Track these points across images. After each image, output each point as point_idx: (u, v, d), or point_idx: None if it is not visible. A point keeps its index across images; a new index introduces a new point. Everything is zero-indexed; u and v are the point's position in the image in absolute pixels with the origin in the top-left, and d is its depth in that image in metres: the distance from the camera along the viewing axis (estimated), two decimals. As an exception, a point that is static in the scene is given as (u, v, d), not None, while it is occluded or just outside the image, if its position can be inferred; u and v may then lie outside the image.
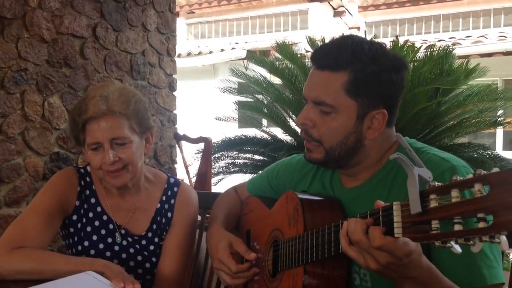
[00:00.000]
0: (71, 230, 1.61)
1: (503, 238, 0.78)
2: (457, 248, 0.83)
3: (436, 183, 0.86)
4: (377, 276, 1.21)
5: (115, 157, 1.48)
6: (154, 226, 1.64)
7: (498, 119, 3.27)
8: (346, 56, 1.21)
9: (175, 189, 1.68)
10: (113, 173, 1.51)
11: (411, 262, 0.95)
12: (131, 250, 1.60)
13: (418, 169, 0.89)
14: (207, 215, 2.00)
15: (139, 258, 1.60)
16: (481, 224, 0.77)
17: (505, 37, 7.75)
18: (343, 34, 4.29)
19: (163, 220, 1.65)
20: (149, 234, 1.63)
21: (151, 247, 1.62)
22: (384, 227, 0.93)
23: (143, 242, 1.62)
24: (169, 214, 1.65)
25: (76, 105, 1.57)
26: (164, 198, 1.67)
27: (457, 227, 0.80)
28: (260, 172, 1.74)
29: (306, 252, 1.19)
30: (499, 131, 7.95)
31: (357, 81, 1.21)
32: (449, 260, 1.06)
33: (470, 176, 0.80)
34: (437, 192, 0.85)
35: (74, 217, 1.60)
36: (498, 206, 0.74)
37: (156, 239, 1.63)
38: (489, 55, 7.56)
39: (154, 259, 1.61)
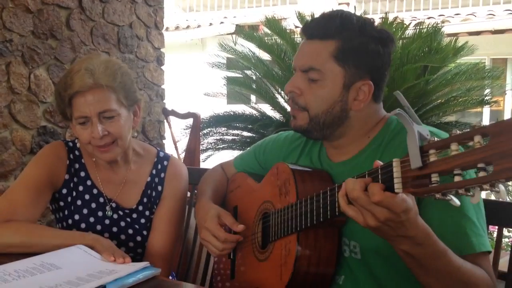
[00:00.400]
0: (61, 204, 1.61)
1: (502, 187, 0.80)
2: (456, 201, 0.86)
3: (436, 138, 0.88)
4: (366, 248, 1.24)
5: (104, 131, 1.48)
6: (145, 200, 1.64)
7: (485, 98, 3.29)
8: (335, 25, 1.26)
9: (165, 163, 1.69)
10: (103, 148, 1.51)
11: (409, 220, 0.97)
12: (122, 224, 1.61)
13: (417, 126, 0.91)
14: (195, 191, 2.01)
15: (130, 231, 1.61)
16: (481, 174, 0.79)
17: (494, 15, 7.76)
18: (332, 9, 4.26)
19: (154, 194, 1.65)
20: (140, 208, 1.63)
21: (142, 220, 1.63)
22: (383, 184, 0.96)
23: (134, 215, 1.62)
24: (159, 188, 1.65)
25: (61, 79, 1.54)
26: (154, 171, 1.67)
27: (457, 179, 0.83)
28: (248, 148, 1.74)
29: (300, 218, 1.20)
30: (486, 110, 8.01)
31: (345, 49, 1.25)
32: (439, 228, 1.08)
33: (469, 130, 0.82)
34: (436, 147, 0.87)
35: (64, 191, 1.60)
36: (497, 155, 0.77)
37: (147, 212, 1.64)
38: (478, 33, 7.58)
39: (145, 232, 1.62)
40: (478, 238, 1.13)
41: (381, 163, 0.99)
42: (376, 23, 1.33)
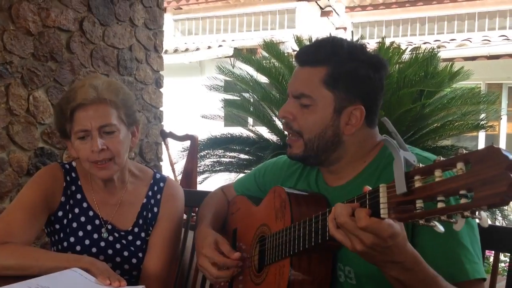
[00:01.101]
0: (57, 226, 1.60)
1: (483, 214, 0.81)
2: (440, 227, 0.86)
3: (421, 164, 0.89)
4: (361, 273, 1.23)
5: (103, 145, 1.49)
6: (141, 221, 1.64)
7: (481, 123, 3.31)
8: (325, 52, 1.29)
9: (161, 184, 1.69)
10: (100, 164, 1.51)
11: (396, 245, 0.97)
12: (118, 246, 1.60)
13: (404, 152, 0.92)
14: (192, 214, 2.01)
15: (126, 253, 1.60)
16: (463, 201, 0.80)
17: (489, 41, 7.86)
18: (330, 34, 4.32)
19: (149, 215, 1.65)
20: (136, 229, 1.63)
21: (138, 242, 1.62)
22: (370, 209, 0.96)
23: (130, 237, 1.62)
24: (155, 209, 1.65)
25: (63, 95, 1.58)
26: (150, 193, 1.67)
27: (440, 205, 0.83)
28: (248, 171, 1.75)
29: (293, 242, 1.21)
30: (482, 135, 8.05)
31: (334, 75, 1.27)
32: (432, 254, 1.08)
33: (453, 156, 0.83)
34: (421, 173, 0.88)
35: (60, 213, 1.60)
36: (478, 182, 0.77)
37: (142, 234, 1.63)
38: (473, 58, 7.66)
39: (140, 255, 1.61)
40: (472, 265, 1.12)
41: (370, 188, 1.00)
42: (368, 48, 1.36)
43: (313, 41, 1.45)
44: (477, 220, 0.81)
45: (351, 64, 1.27)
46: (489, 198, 0.76)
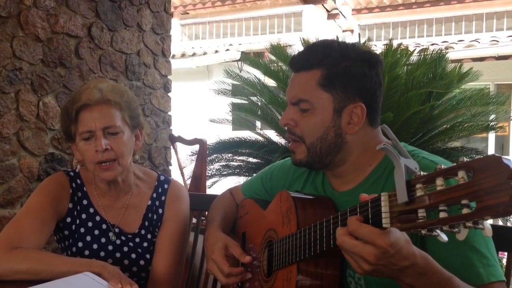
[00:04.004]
0: (66, 232, 1.62)
1: (487, 224, 0.79)
2: (443, 237, 0.85)
3: (422, 172, 0.88)
4: (371, 281, 1.22)
5: (107, 145, 1.51)
6: (146, 223, 1.65)
7: (491, 124, 3.29)
8: (317, 54, 1.29)
9: (166, 186, 1.70)
10: (104, 166, 1.53)
11: (400, 252, 0.95)
12: (125, 249, 1.61)
13: (404, 159, 0.91)
14: (202, 218, 2.01)
15: (133, 256, 1.61)
16: (465, 211, 0.78)
17: (497, 41, 7.82)
18: (336, 36, 4.32)
19: (155, 217, 1.66)
20: (142, 232, 1.64)
21: (145, 244, 1.63)
22: (362, 216, 0.96)
23: (137, 239, 1.63)
24: (160, 211, 1.67)
25: (69, 99, 1.60)
26: (154, 195, 1.68)
27: (442, 215, 0.82)
28: (255, 174, 1.75)
29: (299, 249, 1.20)
30: (491, 136, 8.00)
31: (329, 76, 1.27)
32: (445, 261, 1.06)
33: (454, 164, 0.82)
34: (423, 182, 0.86)
35: (68, 220, 1.61)
36: (481, 192, 0.76)
37: (149, 236, 1.64)
38: (481, 59, 7.62)
39: (148, 256, 1.62)
40: (487, 268, 1.09)
41: (366, 195, 0.99)
42: (359, 46, 1.35)
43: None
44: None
45: (344, 63, 1.27)
46: (491, 209, 0.75)
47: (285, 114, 1.35)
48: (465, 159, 0.80)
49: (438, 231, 0.84)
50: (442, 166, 0.84)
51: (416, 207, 0.86)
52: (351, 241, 0.96)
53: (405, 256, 0.96)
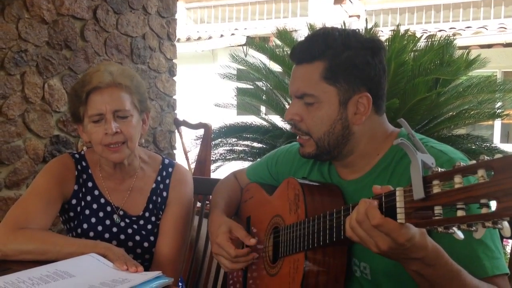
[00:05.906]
0: (71, 214, 1.63)
1: (506, 224, 0.78)
2: (460, 234, 0.84)
3: (439, 169, 0.86)
4: (376, 269, 1.23)
5: (117, 129, 1.51)
6: (151, 206, 1.66)
7: (497, 111, 3.27)
8: (318, 46, 1.26)
9: (170, 169, 1.71)
10: (113, 148, 1.54)
11: (414, 245, 0.95)
12: (129, 231, 1.63)
13: (421, 154, 0.89)
14: (206, 202, 2.02)
15: (137, 238, 1.62)
16: (484, 210, 0.77)
17: (505, 28, 7.74)
18: (343, 22, 4.29)
19: (159, 200, 1.67)
20: (146, 214, 1.65)
21: (149, 226, 1.65)
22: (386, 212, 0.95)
23: (141, 222, 1.64)
24: (165, 193, 1.68)
25: (78, 80, 1.61)
26: (159, 178, 1.69)
27: (460, 213, 0.81)
28: (260, 159, 1.75)
29: (308, 237, 1.20)
30: (497, 123, 7.96)
31: (332, 67, 1.24)
32: (450, 252, 1.05)
33: (474, 162, 0.80)
34: (440, 178, 0.85)
35: (74, 201, 1.62)
36: (501, 192, 0.75)
37: (153, 218, 1.66)
38: (489, 46, 7.55)
39: (152, 238, 1.64)
40: (492, 261, 1.09)
41: (379, 187, 0.98)
42: (362, 33, 1.31)
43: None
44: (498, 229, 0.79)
45: (347, 53, 1.24)
46: (511, 210, 0.74)
47: (289, 108, 1.33)
48: (486, 158, 0.78)
49: (455, 228, 0.83)
50: (461, 164, 0.82)
51: (432, 204, 0.85)
52: (369, 221, 0.95)
53: (417, 249, 0.96)
